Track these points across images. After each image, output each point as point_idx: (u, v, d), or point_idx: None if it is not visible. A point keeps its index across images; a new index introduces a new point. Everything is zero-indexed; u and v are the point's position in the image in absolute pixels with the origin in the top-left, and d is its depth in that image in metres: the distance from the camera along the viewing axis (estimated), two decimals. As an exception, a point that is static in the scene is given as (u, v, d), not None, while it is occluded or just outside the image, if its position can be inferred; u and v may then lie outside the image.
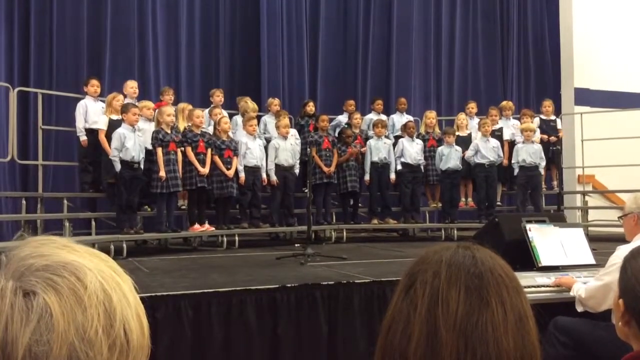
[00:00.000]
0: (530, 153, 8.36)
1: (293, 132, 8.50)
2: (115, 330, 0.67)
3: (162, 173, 6.79)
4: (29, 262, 0.68)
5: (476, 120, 9.31)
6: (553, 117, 9.42)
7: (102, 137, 7.00)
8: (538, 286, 3.78)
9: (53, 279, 0.67)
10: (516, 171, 8.47)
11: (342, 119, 9.39)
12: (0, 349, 0.62)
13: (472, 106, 9.62)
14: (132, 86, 7.67)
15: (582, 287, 3.45)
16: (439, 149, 8.76)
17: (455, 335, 0.89)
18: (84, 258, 0.71)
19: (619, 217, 3.54)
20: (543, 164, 8.48)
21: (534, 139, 8.50)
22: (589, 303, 3.36)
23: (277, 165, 7.94)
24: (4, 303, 0.64)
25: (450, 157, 8.62)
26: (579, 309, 3.44)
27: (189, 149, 7.15)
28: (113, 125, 6.93)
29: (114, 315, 0.68)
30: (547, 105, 9.45)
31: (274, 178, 7.89)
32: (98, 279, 0.69)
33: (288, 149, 8.05)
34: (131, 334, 0.69)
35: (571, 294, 3.53)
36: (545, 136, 9.09)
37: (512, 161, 8.55)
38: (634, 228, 3.32)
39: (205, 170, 7.20)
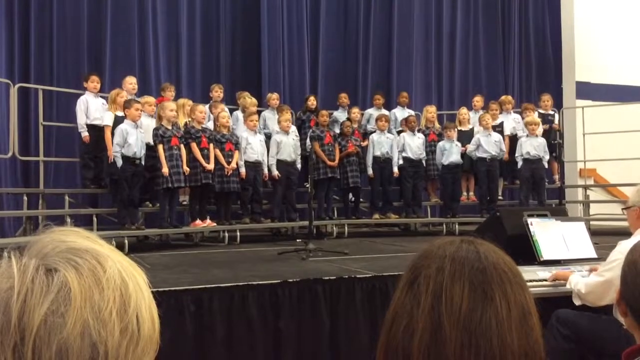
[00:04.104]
0: (534, 146, 8.35)
1: (292, 128, 8.51)
2: (128, 315, 0.69)
3: (165, 169, 6.78)
4: (53, 245, 0.71)
5: (480, 114, 9.30)
6: (551, 112, 9.43)
7: (107, 135, 6.97)
8: (540, 280, 3.79)
9: (75, 259, 0.69)
10: (520, 164, 8.46)
11: (338, 114, 9.35)
12: (18, 319, 0.64)
13: (478, 100, 9.60)
14: (130, 82, 7.65)
15: (581, 281, 3.43)
16: (440, 143, 8.76)
17: (459, 331, 0.89)
18: (106, 249, 0.74)
19: (622, 209, 3.53)
20: (547, 157, 8.46)
21: (537, 133, 8.49)
22: (588, 298, 3.35)
23: (280, 161, 7.94)
24: (25, 276, 0.67)
25: (452, 151, 8.62)
26: (577, 302, 3.43)
27: (194, 145, 7.14)
28: (118, 122, 6.91)
29: (129, 302, 0.70)
30: (546, 99, 9.46)
31: (275, 172, 7.90)
32: (117, 267, 0.72)
33: (290, 144, 8.05)
34: (143, 324, 0.71)
35: (568, 286, 3.51)
36: (547, 125, 9.09)
37: (516, 154, 8.53)
38: (636, 221, 3.31)
39: (211, 166, 7.21)
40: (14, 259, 0.69)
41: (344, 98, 9.48)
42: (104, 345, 0.66)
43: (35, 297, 0.65)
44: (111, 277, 0.70)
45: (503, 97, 9.68)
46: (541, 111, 9.32)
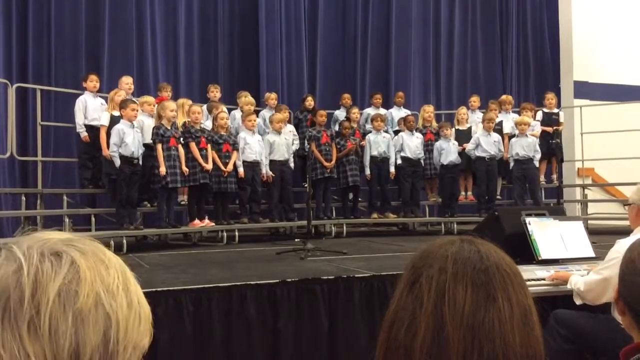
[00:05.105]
0: (523, 146, 8.35)
1: (290, 127, 8.51)
2: (131, 294, 0.73)
3: (163, 169, 6.78)
4: (46, 239, 0.73)
5: (478, 114, 9.28)
6: (556, 110, 9.29)
7: (102, 135, 6.99)
8: (538, 279, 3.79)
9: (76, 244, 0.73)
10: (511, 165, 8.47)
11: (340, 114, 9.39)
12: (31, 295, 0.66)
13: (475, 100, 9.59)
14: (127, 82, 7.64)
15: (580, 280, 3.44)
16: (438, 143, 8.77)
17: (462, 331, 0.89)
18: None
19: (624, 205, 3.54)
20: (538, 156, 8.44)
21: (529, 133, 8.48)
22: (587, 296, 3.36)
23: (274, 161, 7.95)
24: (32, 259, 0.69)
25: (449, 151, 8.63)
26: (578, 302, 3.44)
27: (193, 145, 7.14)
28: (115, 122, 6.92)
29: (129, 284, 0.74)
30: (550, 97, 9.30)
31: (269, 173, 7.91)
32: (114, 255, 0.76)
33: (283, 143, 8.05)
34: (143, 305, 0.75)
35: (568, 287, 3.53)
36: (549, 128, 9.00)
37: (508, 155, 8.55)
38: (635, 219, 3.32)
39: (209, 166, 7.21)
40: (15, 248, 0.71)
41: (347, 99, 9.50)
42: (115, 315, 0.69)
43: (47, 274, 0.68)
44: (112, 258, 0.74)
45: (503, 97, 9.64)
46: (546, 110, 9.23)
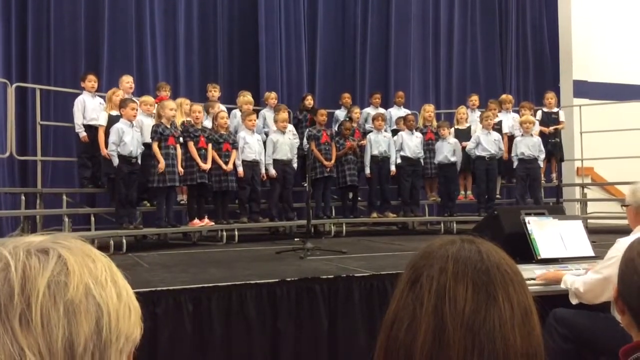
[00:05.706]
0: (529, 146, 8.35)
1: (290, 127, 8.51)
2: (119, 286, 0.73)
3: (162, 165, 6.76)
4: (31, 240, 0.73)
5: (477, 113, 9.28)
6: (555, 110, 9.25)
7: (101, 134, 6.99)
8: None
9: (62, 242, 0.73)
10: (515, 164, 8.46)
11: (340, 114, 9.39)
12: (21, 289, 0.66)
13: (474, 99, 9.58)
14: (127, 81, 7.64)
15: (577, 280, 3.42)
16: (437, 143, 8.77)
17: (463, 332, 0.89)
18: None
19: (622, 206, 3.54)
20: (542, 156, 8.45)
21: (532, 132, 8.48)
22: (586, 296, 3.34)
23: (276, 160, 7.95)
24: (18, 256, 0.69)
25: (441, 150, 8.63)
26: (574, 301, 3.42)
27: (191, 144, 7.14)
28: (113, 122, 6.93)
29: (116, 277, 0.74)
30: (550, 97, 9.27)
31: (272, 172, 7.91)
32: (100, 252, 0.76)
33: (287, 143, 8.06)
34: (132, 298, 0.75)
35: (562, 286, 3.50)
36: (546, 128, 8.99)
37: (512, 154, 8.53)
38: (634, 219, 3.32)
39: (206, 166, 7.20)
40: (0, 248, 0.71)
41: (347, 98, 9.50)
42: (106, 305, 0.70)
43: (35, 268, 0.68)
44: (99, 255, 0.75)
45: (504, 97, 9.63)
46: (545, 109, 9.20)
